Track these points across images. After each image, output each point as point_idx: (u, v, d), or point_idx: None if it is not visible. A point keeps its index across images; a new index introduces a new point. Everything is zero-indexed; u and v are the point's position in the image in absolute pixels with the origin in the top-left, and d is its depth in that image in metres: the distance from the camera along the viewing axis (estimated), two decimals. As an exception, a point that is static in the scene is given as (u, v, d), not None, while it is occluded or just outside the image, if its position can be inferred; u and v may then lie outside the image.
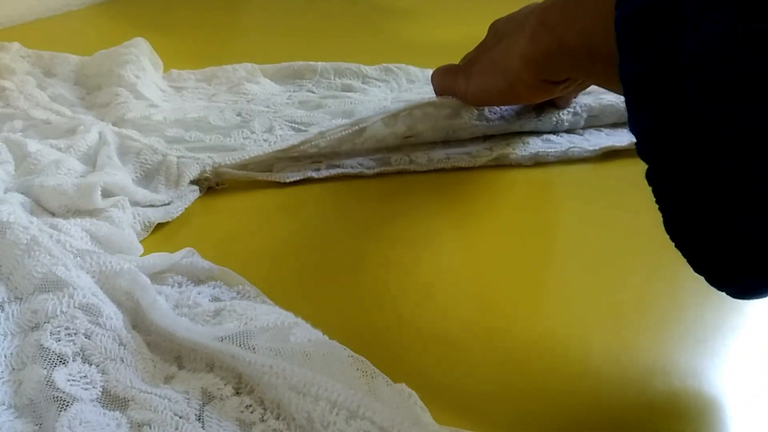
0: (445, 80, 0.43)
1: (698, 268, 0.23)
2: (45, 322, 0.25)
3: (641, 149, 0.22)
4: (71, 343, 0.25)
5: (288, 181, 0.39)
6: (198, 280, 0.30)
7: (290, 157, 0.41)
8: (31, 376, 0.24)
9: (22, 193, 0.34)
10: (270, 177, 0.39)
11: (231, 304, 0.28)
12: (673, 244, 0.23)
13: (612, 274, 0.32)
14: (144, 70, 0.49)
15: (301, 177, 0.40)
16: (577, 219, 0.36)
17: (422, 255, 0.33)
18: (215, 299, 0.29)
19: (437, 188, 0.39)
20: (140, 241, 0.34)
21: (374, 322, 0.29)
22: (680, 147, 0.21)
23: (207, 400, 0.24)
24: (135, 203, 0.35)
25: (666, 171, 0.22)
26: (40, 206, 0.34)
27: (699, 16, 0.20)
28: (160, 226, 0.35)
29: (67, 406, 0.23)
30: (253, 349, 0.24)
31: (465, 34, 0.65)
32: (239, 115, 0.45)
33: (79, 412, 0.23)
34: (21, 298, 0.27)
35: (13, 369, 0.25)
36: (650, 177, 0.22)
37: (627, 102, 0.22)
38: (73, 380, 0.24)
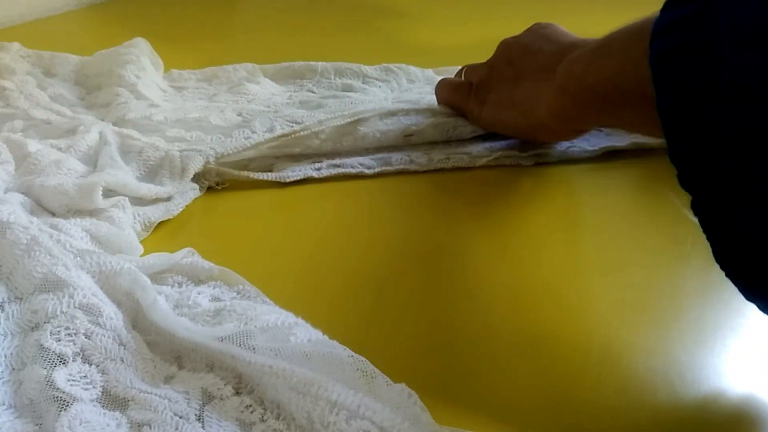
0: (454, 98, 0.43)
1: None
2: (45, 322, 0.25)
3: (681, 179, 0.23)
4: (71, 343, 0.25)
5: (288, 180, 0.39)
6: (198, 280, 0.30)
7: (290, 157, 0.41)
8: (31, 376, 0.24)
9: (22, 193, 0.34)
10: (270, 177, 0.39)
11: (231, 304, 0.28)
12: (725, 273, 0.23)
13: (612, 274, 0.32)
14: (144, 70, 0.49)
15: (302, 177, 0.40)
16: (577, 219, 0.36)
17: (422, 255, 0.33)
18: (215, 299, 0.29)
19: (437, 188, 0.39)
20: (140, 241, 0.34)
21: (374, 322, 0.29)
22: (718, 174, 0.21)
23: (207, 400, 0.24)
24: (139, 199, 0.35)
25: (707, 199, 0.22)
26: (40, 206, 0.34)
27: (733, 50, 0.20)
28: (160, 226, 0.35)
29: (67, 406, 0.23)
30: (253, 349, 0.24)
31: (463, 36, 0.66)
32: (240, 115, 0.45)
33: (79, 412, 0.23)
34: (21, 298, 0.27)
35: (13, 369, 0.25)
36: (694, 207, 0.23)
37: (666, 134, 0.22)
38: (73, 380, 0.24)
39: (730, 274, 0.23)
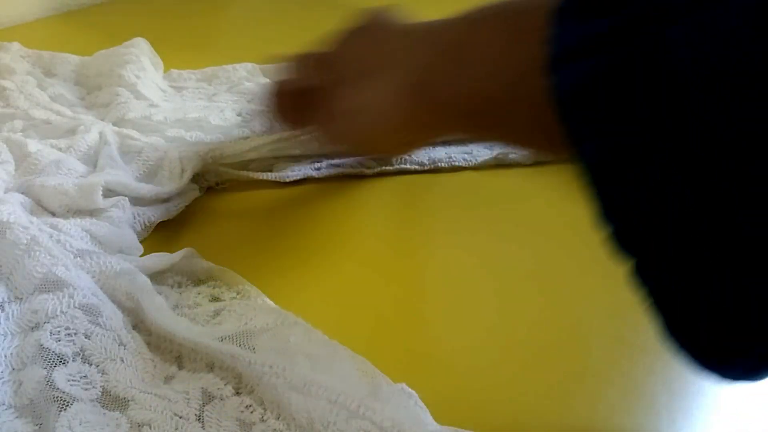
0: (298, 118, 0.36)
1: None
2: (45, 322, 0.25)
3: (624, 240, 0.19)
4: (71, 343, 0.25)
5: (288, 180, 0.39)
6: (198, 280, 0.30)
7: (290, 157, 0.41)
8: (31, 376, 0.24)
9: (22, 193, 0.34)
10: (270, 177, 0.39)
11: (231, 304, 0.28)
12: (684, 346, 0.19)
13: (612, 274, 0.32)
14: (144, 70, 0.49)
15: (302, 176, 0.39)
16: (577, 218, 0.36)
17: (423, 254, 0.33)
18: (215, 299, 0.29)
19: (437, 188, 0.39)
20: (140, 241, 0.34)
21: (375, 322, 0.29)
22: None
23: (207, 400, 0.24)
24: (139, 199, 0.35)
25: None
26: (40, 206, 0.34)
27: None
28: (159, 226, 0.35)
29: (67, 406, 0.23)
30: (253, 349, 0.24)
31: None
32: (240, 114, 0.45)
33: (78, 412, 0.23)
34: (21, 298, 0.27)
35: (13, 369, 0.25)
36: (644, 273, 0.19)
37: (598, 187, 0.19)
38: (73, 380, 0.24)
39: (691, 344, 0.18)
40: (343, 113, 0.32)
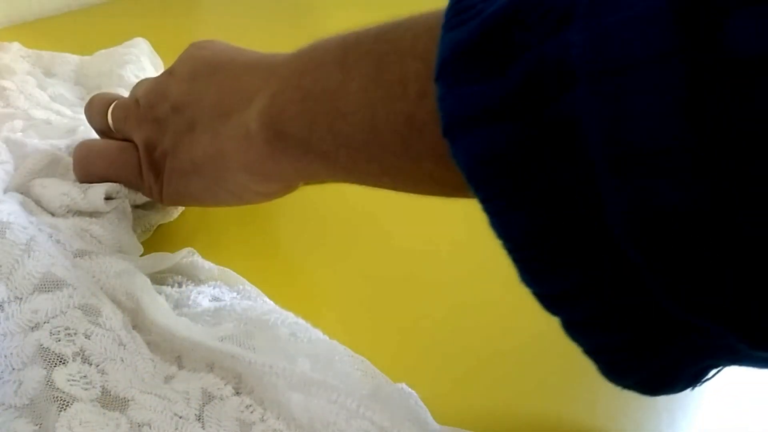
0: (118, 172, 0.31)
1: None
2: (45, 322, 0.25)
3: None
4: (71, 343, 0.25)
5: (288, 181, 0.39)
6: (198, 280, 0.30)
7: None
8: (30, 376, 0.24)
9: (22, 193, 0.34)
10: (270, 177, 0.39)
11: (231, 304, 0.28)
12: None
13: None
14: (144, 71, 0.49)
15: (301, 177, 0.40)
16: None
17: (422, 254, 0.33)
18: (215, 299, 0.29)
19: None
20: (140, 241, 0.34)
21: (374, 322, 0.29)
22: None
23: (207, 400, 0.24)
24: (143, 201, 0.35)
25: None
26: (40, 206, 0.34)
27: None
28: (160, 225, 0.35)
29: (67, 406, 0.23)
30: (253, 349, 0.24)
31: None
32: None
33: (78, 412, 0.23)
34: (21, 298, 0.27)
35: (13, 369, 0.25)
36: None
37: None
38: (72, 380, 0.24)
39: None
40: (172, 172, 0.29)
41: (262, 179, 0.27)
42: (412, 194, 0.39)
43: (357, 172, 0.24)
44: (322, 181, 0.28)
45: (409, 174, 0.22)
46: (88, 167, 0.32)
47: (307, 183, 0.29)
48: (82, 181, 0.32)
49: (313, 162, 0.24)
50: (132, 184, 0.31)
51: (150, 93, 0.30)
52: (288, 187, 0.29)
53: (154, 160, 0.30)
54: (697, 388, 0.25)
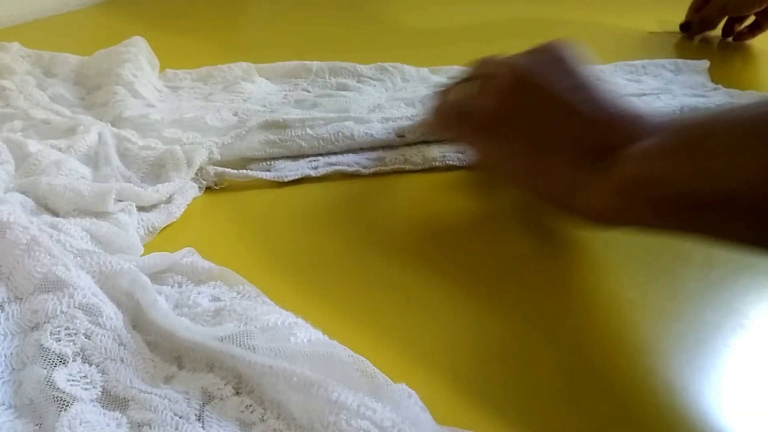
0: (446, 129, 0.37)
1: None
2: (45, 322, 0.25)
3: None
4: (71, 343, 0.25)
5: (286, 180, 0.39)
6: (198, 280, 0.30)
7: (288, 157, 0.41)
8: (31, 376, 0.24)
9: (23, 192, 0.34)
10: (268, 176, 0.39)
11: (231, 304, 0.28)
12: None
13: (612, 274, 0.32)
14: (142, 69, 0.49)
15: (299, 176, 0.40)
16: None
17: (420, 253, 0.33)
18: (215, 299, 0.29)
19: (433, 187, 0.39)
20: (143, 244, 0.34)
21: (374, 322, 0.29)
22: None
23: (207, 400, 0.24)
24: (150, 203, 0.36)
25: None
26: (41, 206, 0.34)
27: None
28: (160, 225, 0.35)
29: (67, 406, 0.23)
30: (254, 349, 0.24)
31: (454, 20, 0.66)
32: (236, 114, 0.45)
33: (79, 412, 0.23)
34: (21, 298, 0.27)
35: (13, 369, 0.25)
36: None
37: None
38: (73, 380, 0.24)
39: None
40: (512, 153, 0.32)
41: (607, 219, 0.30)
42: (405, 194, 0.39)
43: (712, 221, 0.26)
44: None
45: None
46: (432, 122, 0.38)
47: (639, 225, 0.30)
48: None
49: (671, 211, 0.27)
50: (457, 137, 0.37)
51: (505, 78, 0.33)
52: (609, 227, 0.31)
53: (487, 130, 0.33)
54: (697, 389, 0.25)
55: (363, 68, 0.52)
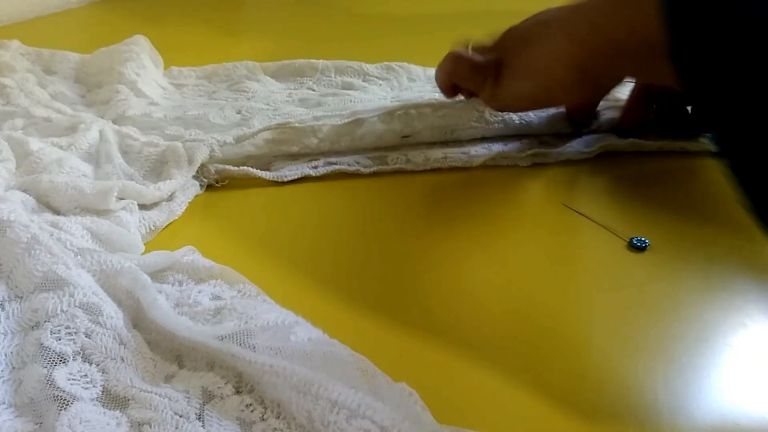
0: (471, 77, 0.41)
1: None
2: (45, 321, 0.25)
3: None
4: (71, 342, 0.25)
5: (286, 180, 0.39)
6: (198, 278, 0.30)
7: (288, 156, 0.41)
8: (31, 375, 0.24)
9: (24, 191, 0.34)
10: (268, 176, 0.39)
11: (231, 302, 0.28)
12: None
13: (612, 274, 0.32)
14: (144, 68, 0.49)
15: (299, 175, 0.40)
16: (575, 219, 0.36)
17: (420, 254, 0.33)
18: (216, 298, 0.29)
19: (434, 187, 0.39)
20: (144, 242, 0.34)
21: (374, 321, 0.29)
22: None
23: (207, 399, 0.24)
24: (152, 201, 0.36)
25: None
26: (42, 204, 0.34)
27: None
28: (160, 224, 0.35)
29: (68, 405, 0.23)
30: (254, 348, 0.24)
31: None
32: (239, 112, 0.45)
33: (79, 411, 0.23)
34: (21, 297, 0.27)
35: (14, 368, 0.25)
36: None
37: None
38: (73, 379, 0.24)
39: None
40: (509, 77, 0.38)
41: (573, 71, 0.36)
42: (406, 194, 0.39)
43: (649, 69, 0.32)
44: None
45: None
46: (455, 68, 0.41)
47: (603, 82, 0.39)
48: (446, 79, 0.41)
49: (619, 64, 0.34)
50: (475, 87, 0.41)
51: (501, 37, 0.41)
52: (588, 88, 0.38)
53: (495, 71, 0.39)
54: (696, 389, 0.25)
55: (369, 67, 0.52)
